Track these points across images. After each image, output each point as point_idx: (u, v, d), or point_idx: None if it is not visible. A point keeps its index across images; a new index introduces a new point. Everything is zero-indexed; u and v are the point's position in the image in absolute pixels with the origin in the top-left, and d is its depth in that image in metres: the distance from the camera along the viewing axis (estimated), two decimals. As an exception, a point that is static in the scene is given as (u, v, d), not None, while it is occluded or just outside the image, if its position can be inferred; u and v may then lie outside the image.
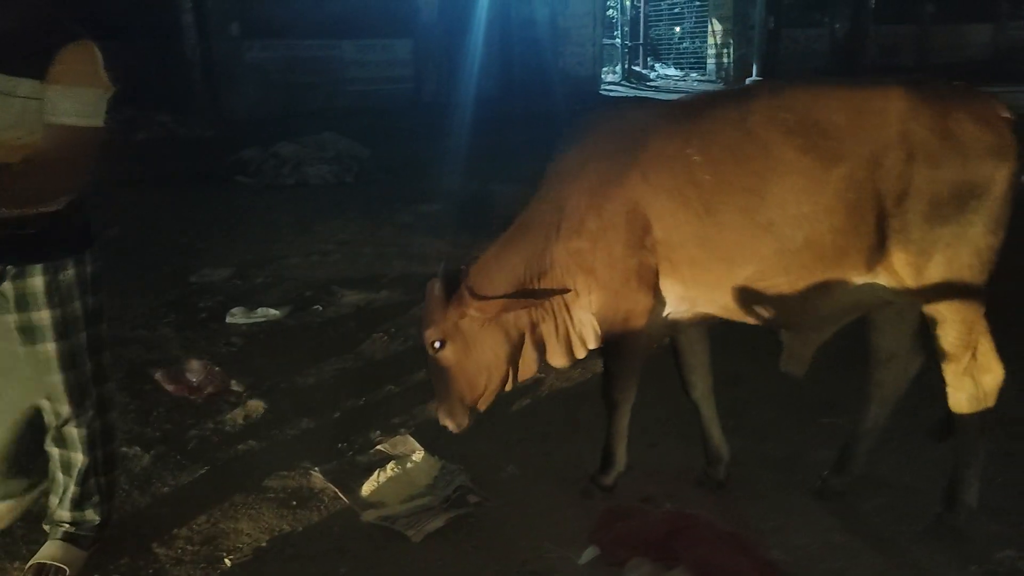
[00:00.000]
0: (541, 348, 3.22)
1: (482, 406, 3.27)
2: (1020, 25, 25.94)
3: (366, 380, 4.46)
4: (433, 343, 3.12)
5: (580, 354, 3.26)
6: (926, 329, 2.99)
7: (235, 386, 4.39)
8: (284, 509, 3.30)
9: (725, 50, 21.67)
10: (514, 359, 3.20)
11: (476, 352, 3.14)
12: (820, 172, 2.74)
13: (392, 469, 3.40)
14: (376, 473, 3.39)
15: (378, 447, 3.73)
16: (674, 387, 4.27)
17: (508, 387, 3.29)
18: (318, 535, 3.15)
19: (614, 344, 3.14)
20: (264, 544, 3.09)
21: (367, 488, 3.36)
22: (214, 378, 4.37)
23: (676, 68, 23.70)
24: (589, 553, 2.90)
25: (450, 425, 3.25)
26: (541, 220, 3.13)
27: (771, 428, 3.85)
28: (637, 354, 3.15)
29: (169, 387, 4.32)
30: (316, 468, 3.56)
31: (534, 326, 3.18)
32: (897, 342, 3.10)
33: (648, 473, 3.47)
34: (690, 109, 3.08)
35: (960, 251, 2.74)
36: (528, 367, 3.27)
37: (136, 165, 11.44)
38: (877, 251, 2.79)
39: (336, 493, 3.38)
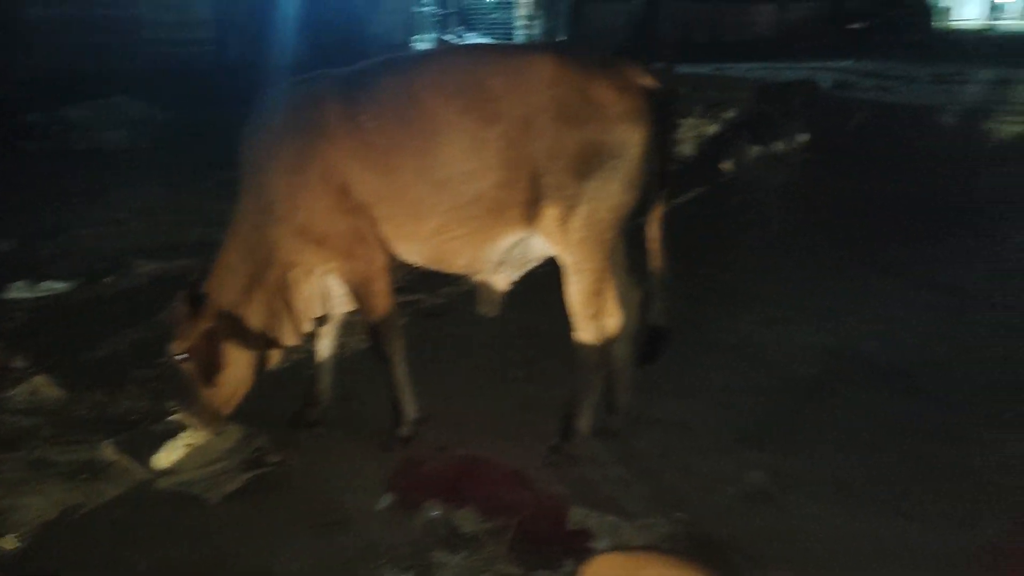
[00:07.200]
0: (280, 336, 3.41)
1: (226, 410, 3.38)
2: (800, 6, 28.11)
3: (162, 350, 4.34)
4: (177, 355, 3.22)
5: (307, 328, 3.47)
6: (639, 262, 3.31)
7: (18, 362, 4.17)
8: (73, 482, 3.23)
9: (535, 22, 22.10)
10: (258, 362, 3.37)
11: (219, 363, 3.26)
12: (480, 131, 3.00)
13: (189, 437, 3.39)
14: (172, 442, 3.37)
15: (174, 416, 3.68)
16: (466, 344, 4.51)
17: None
18: (113, 504, 3.12)
19: (367, 304, 3.33)
20: (54, 517, 3.02)
21: (164, 457, 3.33)
22: (-6, 355, 4.13)
23: (487, 38, 23.92)
24: (386, 499, 3.06)
25: (201, 430, 3.36)
26: (245, 214, 3.31)
27: (562, 377, 4.12)
28: (390, 309, 3.34)
29: (-58, 366, 4.05)
30: (108, 440, 3.48)
31: (273, 319, 3.36)
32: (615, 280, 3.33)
33: (445, 424, 3.65)
34: (364, 76, 3.24)
35: (599, 206, 3.07)
36: (273, 359, 3.48)
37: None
38: (533, 205, 3.09)
39: (130, 463, 3.33)
